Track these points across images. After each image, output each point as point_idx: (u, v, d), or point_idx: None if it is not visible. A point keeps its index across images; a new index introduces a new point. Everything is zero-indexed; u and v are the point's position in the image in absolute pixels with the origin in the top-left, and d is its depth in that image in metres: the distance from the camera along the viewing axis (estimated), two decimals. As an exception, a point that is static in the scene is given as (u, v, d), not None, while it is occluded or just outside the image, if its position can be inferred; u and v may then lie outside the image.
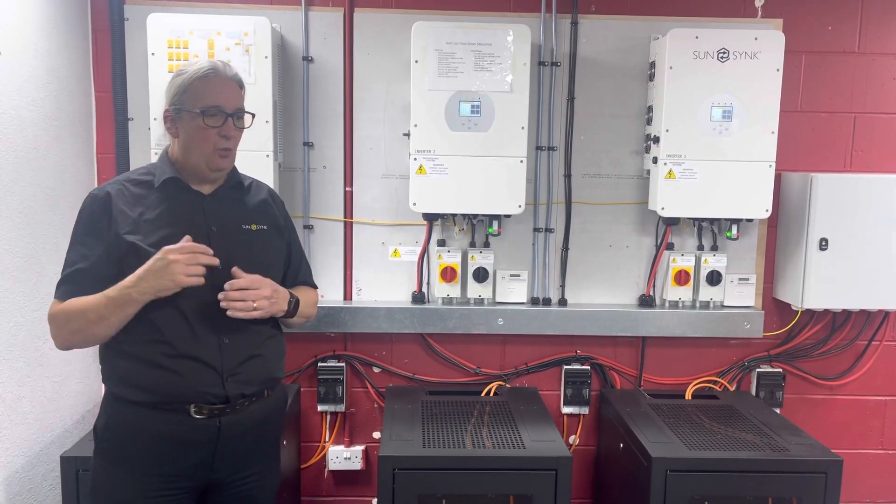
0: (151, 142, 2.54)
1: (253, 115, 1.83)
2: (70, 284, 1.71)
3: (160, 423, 1.72)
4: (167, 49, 2.50)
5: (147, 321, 1.69)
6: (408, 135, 2.65)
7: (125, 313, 1.65)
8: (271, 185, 2.56)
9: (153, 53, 2.50)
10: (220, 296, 1.69)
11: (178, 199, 1.78)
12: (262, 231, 1.85)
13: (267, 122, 2.55)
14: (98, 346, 1.77)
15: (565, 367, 2.92)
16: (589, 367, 2.92)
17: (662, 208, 2.67)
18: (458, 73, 2.57)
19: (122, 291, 1.64)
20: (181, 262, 1.62)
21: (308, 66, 2.75)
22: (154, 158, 2.50)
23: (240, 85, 1.81)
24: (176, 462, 1.75)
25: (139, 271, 1.64)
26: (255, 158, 2.55)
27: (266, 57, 2.53)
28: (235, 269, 1.73)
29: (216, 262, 1.67)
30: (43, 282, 2.38)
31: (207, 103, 1.72)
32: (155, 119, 2.53)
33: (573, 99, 2.80)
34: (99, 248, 1.71)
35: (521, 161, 2.60)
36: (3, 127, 2.18)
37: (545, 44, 2.77)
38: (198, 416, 1.73)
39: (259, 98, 2.53)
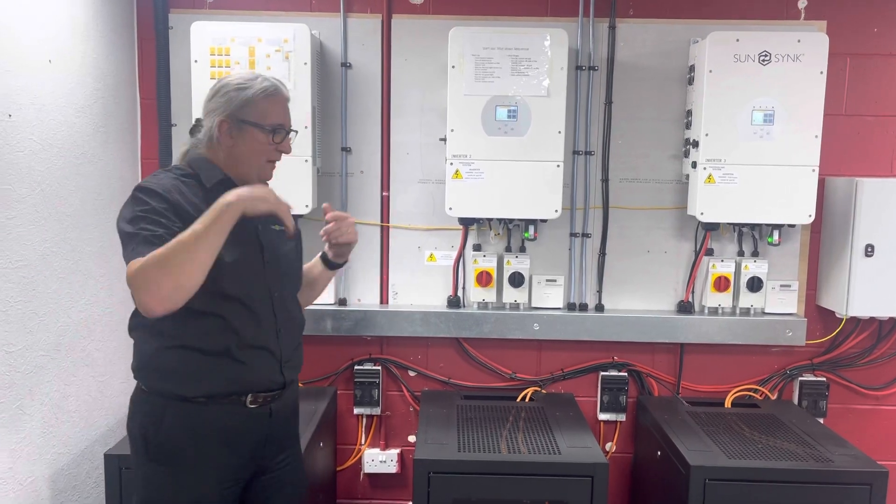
0: (194, 147, 2.59)
1: (296, 132, 1.90)
2: (151, 246, 1.57)
3: (217, 417, 1.73)
4: (209, 56, 2.56)
5: (212, 314, 1.70)
6: (444, 140, 2.66)
7: (221, 227, 1.58)
8: (310, 190, 2.61)
9: (196, 60, 2.56)
10: (331, 227, 1.93)
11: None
12: (283, 231, 1.89)
13: (306, 127, 2.59)
14: (140, 346, 1.76)
15: (602, 373, 2.89)
16: (626, 374, 2.89)
17: (702, 213, 2.63)
18: (494, 77, 2.58)
19: (215, 206, 1.60)
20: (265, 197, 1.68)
21: (346, 71, 2.78)
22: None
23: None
24: (233, 455, 1.77)
25: (233, 192, 1.63)
26: (294, 163, 2.58)
27: (305, 63, 2.57)
28: (326, 205, 1.99)
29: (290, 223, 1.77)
30: (89, 284, 2.44)
31: (274, 121, 1.77)
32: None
33: (611, 103, 2.78)
34: (176, 225, 1.63)
35: (558, 165, 2.60)
36: (53, 133, 2.24)
37: (582, 48, 2.76)
38: (252, 406, 1.77)
39: (298, 104, 2.56)
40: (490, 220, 2.77)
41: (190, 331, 1.70)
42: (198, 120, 1.82)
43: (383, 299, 2.89)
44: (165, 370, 1.73)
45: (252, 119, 1.74)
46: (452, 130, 2.60)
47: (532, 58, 2.57)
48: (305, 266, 2.05)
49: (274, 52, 2.56)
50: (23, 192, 2.08)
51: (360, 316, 2.79)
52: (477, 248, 2.83)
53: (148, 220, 1.61)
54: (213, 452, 1.74)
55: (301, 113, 2.57)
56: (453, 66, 2.58)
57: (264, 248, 1.81)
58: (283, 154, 1.84)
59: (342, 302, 2.85)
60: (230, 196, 1.61)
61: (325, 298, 2.84)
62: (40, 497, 2.19)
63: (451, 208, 2.63)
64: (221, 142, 1.75)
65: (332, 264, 2.07)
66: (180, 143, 1.91)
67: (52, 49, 2.24)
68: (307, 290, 2.06)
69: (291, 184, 2.59)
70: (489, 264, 2.79)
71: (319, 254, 2.07)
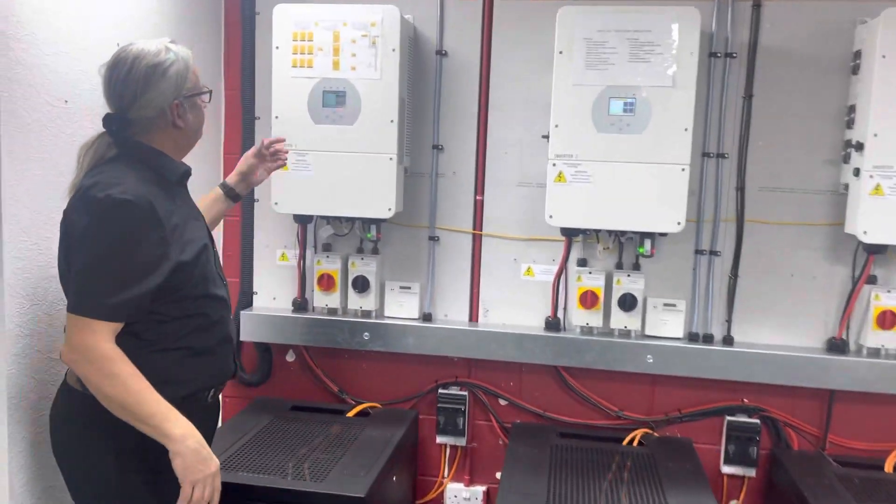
0: (272, 141, 2.38)
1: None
2: (125, 312, 1.50)
3: (188, 415, 1.55)
4: (291, 42, 2.34)
5: (199, 314, 1.63)
6: (547, 137, 2.31)
7: (142, 426, 1.50)
8: (394, 192, 2.33)
9: (277, 47, 2.35)
10: (279, 146, 2.09)
11: (181, 193, 1.69)
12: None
13: (392, 121, 2.31)
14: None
15: (728, 417, 2.42)
16: (758, 421, 2.41)
17: (864, 232, 2.13)
18: (608, 64, 2.20)
19: (177, 423, 1.50)
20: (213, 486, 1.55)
21: (441, 60, 2.49)
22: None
23: None
24: None
25: (194, 438, 1.51)
26: (377, 161, 2.32)
27: (394, 49, 2.30)
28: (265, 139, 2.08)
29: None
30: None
31: (203, 83, 1.71)
32: (277, 117, 2.37)
33: (751, 97, 2.32)
34: (164, 268, 1.53)
35: (683, 169, 2.18)
36: (121, 122, 2.09)
37: (718, 31, 2.32)
38: (210, 400, 1.72)
39: (384, 95, 2.30)
40: (598, 231, 2.38)
41: (175, 332, 1.59)
42: (118, 114, 1.58)
43: (473, 317, 2.56)
44: (153, 373, 1.53)
45: (195, 89, 1.66)
46: (557, 126, 2.24)
47: (655, 41, 2.17)
48: (201, 203, 1.93)
49: (360, 38, 2.31)
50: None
51: (447, 334, 2.48)
52: (582, 263, 2.45)
53: (135, 269, 1.49)
54: None
55: (387, 105, 2.30)
56: (560, 52, 2.22)
57: (210, 233, 1.77)
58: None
59: (427, 317, 2.55)
60: (176, 441, 1.48)
61: (408, 312, 2.55)
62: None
63: (551, 216, 2.27)
64: (179, 125, 1.63)
65: (237, 197, 2.07)
66: (91, 139, 1.63)
67: (136, 35, 2.08)
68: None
69: (373, 184, 2.32)
70: (595, 283, 2.40)
71: (219, 184, 2.06)
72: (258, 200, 2.64)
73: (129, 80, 1.55)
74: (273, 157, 2.08)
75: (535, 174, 2.47)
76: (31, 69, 1.71)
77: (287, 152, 2.11)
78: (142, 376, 1.48)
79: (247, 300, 2.66)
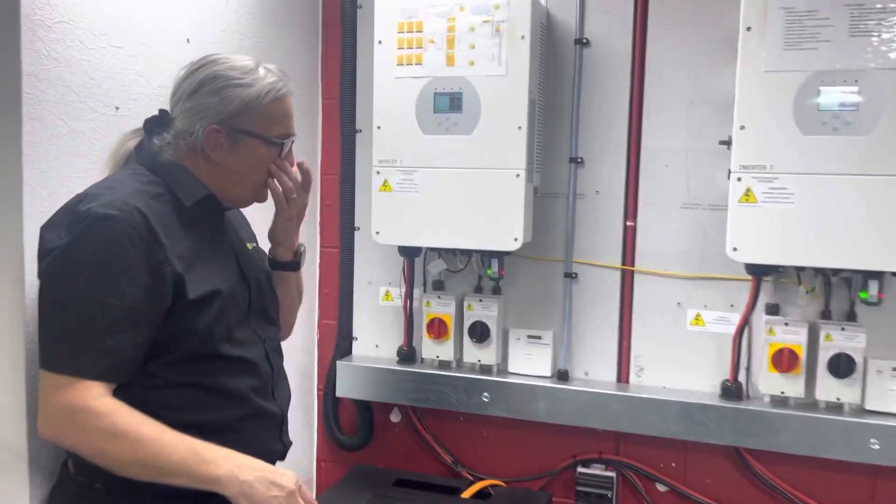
0: (373, 157, 1.95)
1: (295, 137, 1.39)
2: (116, 365, 1.13)
3: None
4: (396, 35, 1.90)
5: (201, 384, 1.22)
6: (727, 143, 1.75)
7: (194, 483, 1.14)
8: (522, 217, 1.84)
9: (380, 41, 1.92)
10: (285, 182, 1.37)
11: (204, 225, 1.30)
12: (256, 248, 1.47)
13: (520, 128, 1.82)
14: None
15: None
16: None
17: (734, 249, 1.48)
18: (819, 42, 1.61)
19: (223, 464, 1.14)
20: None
21: (581, 51, 1.97)
22: (376, 177, 1.92)
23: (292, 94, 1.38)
24: None
25: (248, 466, 1.16)
26: (501, 179, 1.84)
27: (523, 37, 1.81)
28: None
29: None
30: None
31: (282, 131, 1.32)
32: (379, 128, 1.94)
33: None
34: (159, 306, 1.16)
35: (934, 183, 1.54)
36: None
37: (974, -8, 1.67)
38: None
39: (510, 95, 1.82)
40: (800, 268, 1.77)
41: (177, 403, 1.19)
42: (163, 112, 1.30)
43: (622, 376, 2.01)
44: None
45: (254, 129, 1.28)
46: (743, 128, 1.67)
47: (890, 7, 1.56)
48: None
49: (480, 24, 1.84)
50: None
51: (588, 399, 1.94)
52: (773, 310, 1.84)
53: (125, 306, 1.11)
54: None
55: (514, 108, 1.82)
56: (749, 29, 1.66)
57: (249, 283, 1.35)
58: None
59: (562, 376, 2.02)
60: (240, 478, 1.13)
61: (538, 368, 2.03)
62: None
63: (735, 249, 1.69)
64: (210, 154, 1.27)
65: (285, 264, 1.48)
66: (126, 134, 1.34)
67: (195, 31, 1.72)
68: (285, 321, 1.53)
69: (496, 207, 1.84)
70: (794, 338, 1.78)
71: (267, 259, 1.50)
72: (359, 229, 2.22)
73: (188, 78, 1.27)
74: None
75: (706, 192, 1.90)
76: (67, 65, 1.35)
77: (292, 192, 1.39)
78: (152, 420, 1.13)
79: (345, 347, 2.23)
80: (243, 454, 1.17)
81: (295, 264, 1.48)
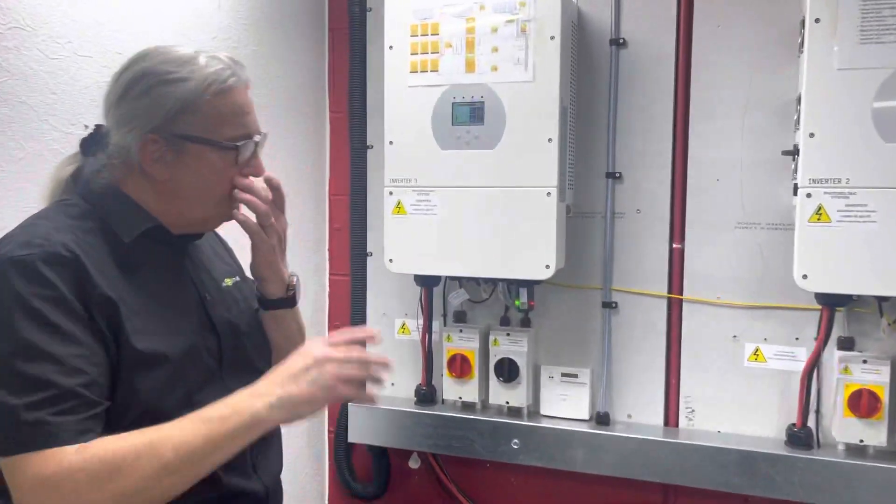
0: (385, 176, 1.74)
1: (265, 136, 1.12)
2: (79, 416, 0.90)
3: None
4: (409, 39, 1.70)
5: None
6: (791, 153, 1.52)
7: (238, 444, 0.93)
8: (554, 241, 1.62)
9: (391, 47, 1.72)
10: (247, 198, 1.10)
11: (152, 264, 1.05)
12: (238, 284, 1.22)
13: (550, 140, 1.60)
14: None
15: None
16: None
17: (804, 276, 1.17)
18: (903, 33, 1.37)
19: (243, 404, 0.93)
20: (336, 362, 0.99)
21: (618, 52, 1.75)
22: (389, 198, 1.71)
23: (249, 86, 1.10)
24: None
25: (263, 388, 0.95)
26: (530, 199, 1.62)
27: (552, 38, 1.60)
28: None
29: (385, 361, 1.06)
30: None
31: (237, 132, 1.05)
32: (391, 143, 1.73)
33: None
34: (98, 350, 0.93)
35: None
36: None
37: None
38: None
39: (539, 103, 1.61)
40: (884, 299, 1.52)
41: None
42: (97, 127, 1.07)
43: (670, 420, 1.77)
44: None
45: (199, 132, 1.02)
46: (812, 135, 1.44)
47: None
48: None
49: (503, 25, 1.63)
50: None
51: (632, 446, 1.70)
52: (847, 344, 1.59)
53: (54, 357, 0.88)
54: None
55: (543, 118, 1.61)
56: (817, 21, 1.42)
57: (219, 332, 1.09)
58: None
59: (602, 419, 1.78)
60: (263, 401, 0.93)
61: (575, 411, 1.80)
62: None
63: (805, 276, 1.45)
64: (150, 171, 1.02)
65: (288, 300, 1.22)
66: (64, 160, 1.10)
67: (186, 37, 1.52)
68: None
69: (524, 230, 1.62)
70: (874, 378, 1.54)
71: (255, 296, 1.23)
72: (371, 254, 2.01)
73: (117, 81, 1.02)
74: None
75: (765, 210, 1.66)
76: (24, 78, 1.16)
77: (264, 209, 1.14)
78: (146, 430, 0.91)
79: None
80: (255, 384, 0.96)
81: (289, 300, 1.25)
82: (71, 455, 0.87)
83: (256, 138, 1.07)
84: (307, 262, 2.03)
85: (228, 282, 1.19)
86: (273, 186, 1.14)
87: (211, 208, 1.08)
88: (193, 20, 1.55)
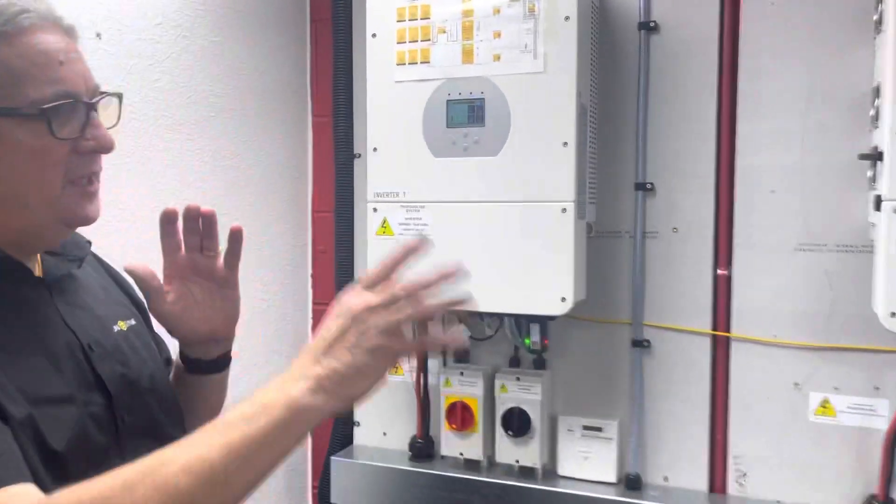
0: (369, 189, 1.46)
1: (120, 96, 0.82)
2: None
3: None
4: (395, 25, 1.42)
5: None
6: (871, 157, 1.21)
7: (279, 447, 0.69)
8: (572, 268, 1.32)
9: (374, 35, 1.44)
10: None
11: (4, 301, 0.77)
12: (132, 328, 0.91)
13: (566, 144, 1.31)
14: None
15: None
16: None
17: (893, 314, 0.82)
18: None
19: (273, 395, 0.69)
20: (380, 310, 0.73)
21: (648, 38, 1.46)
22: (373, 216, 1.44)
23: (70, 32, 0.79)
24: None
25: (308, 354, 0.73)
26: (541, 214, 1.32)
27: (567, 19, 1.31)
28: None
29: (451, 273, 0.80)
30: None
31: (46, 90, 0.73)
32: (375, 149, 1.45)
33: None
34: None
35: None
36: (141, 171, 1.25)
37: None
38: None
39: (551, 99, 1.31)
40: None
41: None
42: None
43: (716, 485, 1.45)
44: None
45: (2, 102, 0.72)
46: (900, 134, 1.12)
47: None
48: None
49: (507, 5, 1.34)
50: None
51: (670, 517, 1.40)
52: (943, 397, 1.27)
53: None
54: None
55: (557, 117, 1.32)
56: (903, -11, 1.12)
57: (109, 390, 0.81)
58: (101, 155, 0.80)
59: (632, 483, 1.47)
60: (298, 386, 0.69)
61: (599, 472, 1.49)
62: None
63: (894, 314, 1.14)
64: None
65: (203, 365, 0.96)
66: None
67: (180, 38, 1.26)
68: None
69: (536, 256, 1.32)
70: (983, 442, 1.21)
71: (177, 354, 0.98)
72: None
73: None
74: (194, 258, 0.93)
75: (833, 228, 1.35)
76: None
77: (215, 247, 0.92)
78: (143, 459, 0.67)
79: (345, 435, 1.73)
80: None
81: (221, 362, 0.96)
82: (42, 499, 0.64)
83: (87, 96, 0.76)
84: (286, 290, 1.76)
85: (123, 325, 0.89)
86: (203, 215, 0.88)
87: (42, 211, 0.77)
88: (130, 3, 1.29)
